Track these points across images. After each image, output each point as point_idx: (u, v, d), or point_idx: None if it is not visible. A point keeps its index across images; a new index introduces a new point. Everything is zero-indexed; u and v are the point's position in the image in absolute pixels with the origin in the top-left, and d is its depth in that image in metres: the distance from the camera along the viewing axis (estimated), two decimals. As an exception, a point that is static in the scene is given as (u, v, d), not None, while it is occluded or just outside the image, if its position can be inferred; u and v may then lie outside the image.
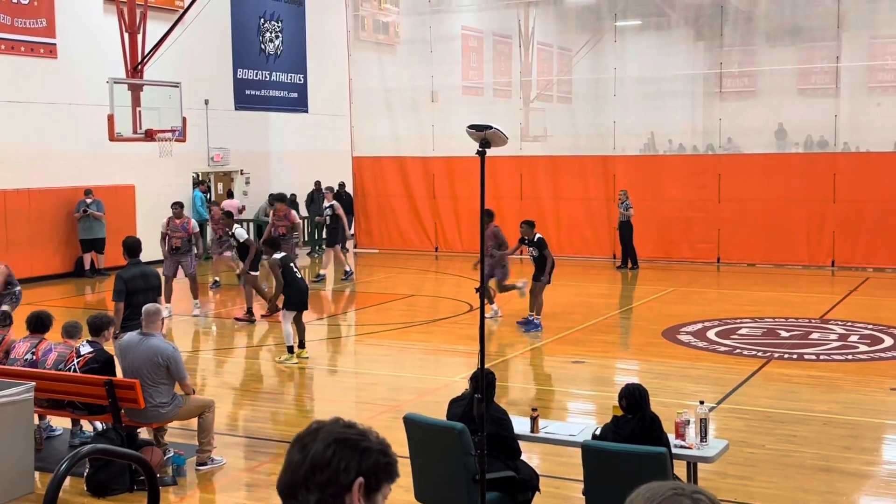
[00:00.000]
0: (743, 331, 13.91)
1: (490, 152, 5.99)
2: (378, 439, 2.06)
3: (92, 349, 8.40)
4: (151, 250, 16.41)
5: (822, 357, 12.21)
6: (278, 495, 2.08)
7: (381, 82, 24.86)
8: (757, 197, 20.76)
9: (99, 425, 8.65)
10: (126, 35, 17.44)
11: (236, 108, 24.86)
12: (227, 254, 17.94)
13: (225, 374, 12.40)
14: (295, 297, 12.24)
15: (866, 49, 21.91)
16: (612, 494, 5.54)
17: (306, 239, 25.85)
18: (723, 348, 12.74)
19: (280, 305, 12.52)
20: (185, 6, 19.67)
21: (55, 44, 20.08)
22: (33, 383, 7.85)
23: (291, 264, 12.41)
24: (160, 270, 12.38)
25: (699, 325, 14.23)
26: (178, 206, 16.11)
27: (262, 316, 15.53)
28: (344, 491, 2.01)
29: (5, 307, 10.23)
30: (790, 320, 14.66)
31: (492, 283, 14.62)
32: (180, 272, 15.81)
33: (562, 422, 8.51)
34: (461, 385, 9.12)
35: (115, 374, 8.32)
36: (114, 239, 18.21)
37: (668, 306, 16.21)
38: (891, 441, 9.34)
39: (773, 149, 21.84)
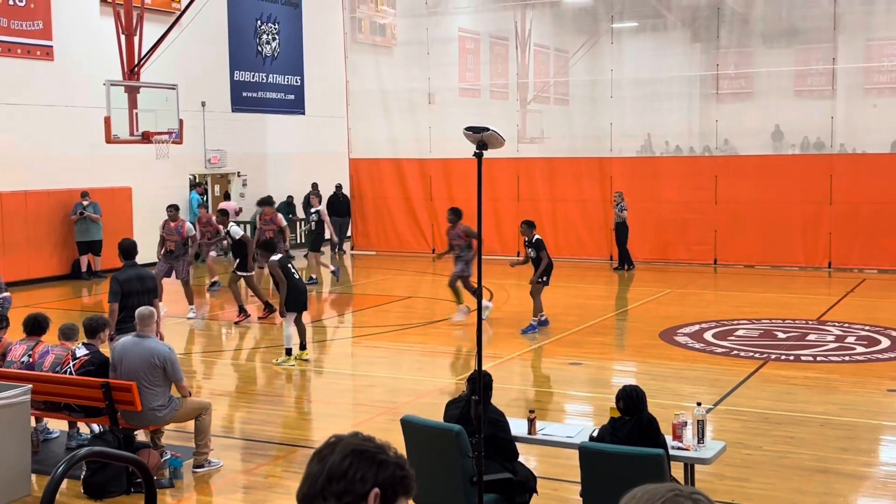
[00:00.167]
0: (740, 332, 13.91)
1: (487, 154, 5.99)
2: (396, 454, 2.07)
3: (88, 352, 8.39)
4: (148, 252, 16.42)
5: (819, 358, 12.22)
6: None
7: (378, 84, 24.86)
8: (754, 198, 20.78)
9: (96, 428, 8.64)
10: (123, 37, 17.44)
11: (233, 110, 24.84)
12: (213, 254, 17.85)
13: (221, 376, 12.39)
14: (294, 298, 12.23)
15: (862, 51, 21.94)
16: (609, 496, 5.53)
17: (302, 240, 25.85)
18: (720, 350, 12.75)
19: (275, 308, 12.52)
20: (182, 8, 19.68)
21: (52, 46, 20.06)
22: (30, 385, 7.84)
23: (289, 265, 12.40)
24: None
25: (696, 327, 14.23)
26: (172, 209, 16.11)
27: (260, 318, 15.52)
28: (360, 501, 2.02)
29: None
30: (787, 322, 14.67)
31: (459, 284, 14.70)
32: (174, 274, 15.82)
33: (559, 423, 8.51)
34: (458, 387, 9.13)
35: (109, 377, 8.30)
36: (111, 241, 18.20)
37: (665, 308, 16.22)
38: (888, 442, 9.35)
39: (770, 150, 21.86)
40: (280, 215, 17.78)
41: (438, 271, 21.98)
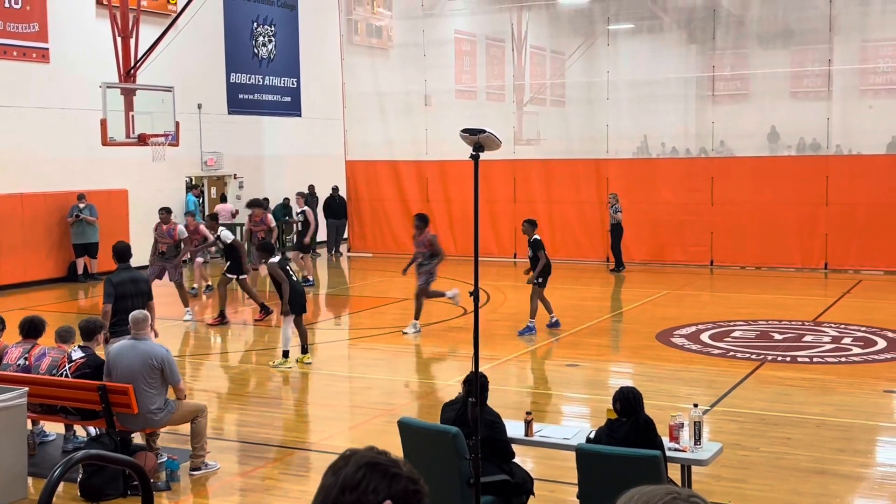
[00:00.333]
0: (736, 333, 13.93)
1: (483, 156, 5.99)
2: (409, 469, 2.08)
3: (83, 354, 8.38)
4: (144, 255, 16.41)
5: (815, 359, 12.23)
6: None
7: (375, 86, 24.87)
8: (750, 200, 20.81)
9: (92, 430, 8.63)
10: (119, 39, 17.43)
11: (229, 113, 24.83)
12: (199, 259, 17.76)
13: (218, 378, 12.38)
14: (293, 300, 12.22)
15: (858, 52, 21.97)
16: (606, 498, 5.54)
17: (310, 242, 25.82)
18: (716, 351, 12.75)
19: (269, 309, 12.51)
20: (178, 10, 19.67)
21: (48, 48, 20.04)
22: (26, 388, 7.83)
23: (287, 267, 12.39)
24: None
25: (693, 328, 14.24)
26: (164, 212, 16.16)
27: (256, 320, 15.51)
28: None
29: None
30: (783, 323, 14.68)
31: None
32: (166, 276, 15.83)
33: (556, 425, 8.50)
34: (455, 388, 9.12)
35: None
36: (107, 243, 18.11)
37: (662, 309, 16.23)
38: (884, 443, 9.36)
39: (766, 152, 21.89)
40: (270, 216, 17.84)
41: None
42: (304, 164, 26.21)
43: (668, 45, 24.06)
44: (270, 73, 26.17)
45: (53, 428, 9.23)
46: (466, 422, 6.29)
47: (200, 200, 24.28)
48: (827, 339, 13.47)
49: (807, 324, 14.62)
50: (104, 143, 16.71)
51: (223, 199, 25.10)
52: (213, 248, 17.20)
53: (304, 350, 12.39)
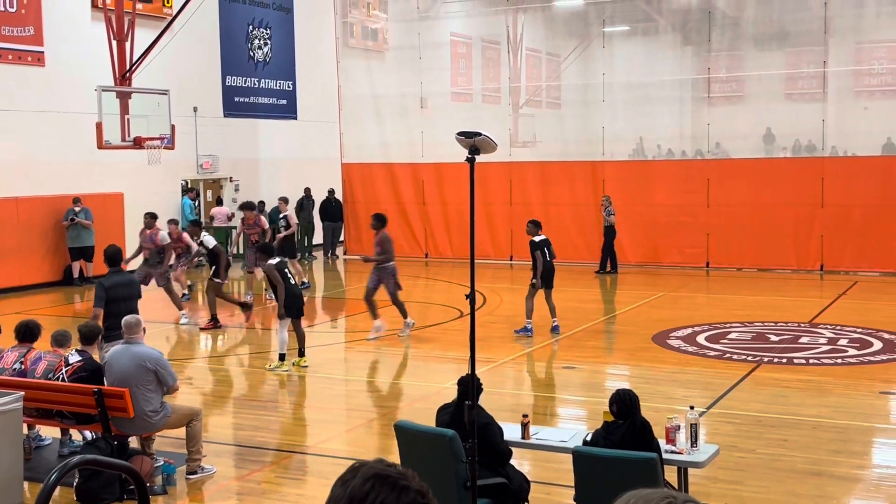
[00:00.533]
0: (732, 335, 13.93)
1: (479, 158, 6.00)
2: (418, 482, 2.07)
3: (81, 358, 8.37)
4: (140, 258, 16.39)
5: (811, 361, 12.24)
6: None
7: (370, 89, 24.87)
8: (745, 201, 20.84)
9: (88, 434, 8.61)
10: (114, 42, 17.42)
11: (225, 116, 24.82)
12: (181, 268, 17.56)
13: (214, 382, 12.36)
14: (289, 302, 12.21)
15: (853, 53, 22.01)
16: (603, 500, 5.54)
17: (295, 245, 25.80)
18: (712, 353, 12.76)
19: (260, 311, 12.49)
20: (174, 13, 19.67)
21: (43, 52, 20.02)
22: (22, 393, 7.82)
23: (286, 270, 12.37)
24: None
25: (689, 330, 14.25)
26: (148, 217, 16.25)
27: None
28: None
29: None
30: (780, 324, 14.69)
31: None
32: (152, 281, 15.85)
33: (553, 428, 8.50)
34: (452, 391, 9.11)
35: (103, 384, 8.29)
36: (102, 247, 17.95)
37: (658, 311, 16.24)
38: (880, 444, 9.36)
39: (762, 153, 21.92)
40: (263, 218, 17.83)
41: (431, 276, 22.02)
42: (300, 167, 26.20)
43: (663, 47, 24.09)
44: (266, 75, 26.17)
45: (49, 432, 9.21)
46: (459, 425, 6.29)
47: (196, 203, 24.26)
48: (823, 340, 13.48)
49: (803, 325, 14.63)
50: (100, 147, 16.69)
51: (219, 202, 25.09)
52: (196, 259, 17.07)
53: (301, 353, 12.37)
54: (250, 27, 25.62)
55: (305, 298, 14.45)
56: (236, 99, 25.25)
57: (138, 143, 16.97)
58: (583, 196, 22.34)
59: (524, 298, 14.19)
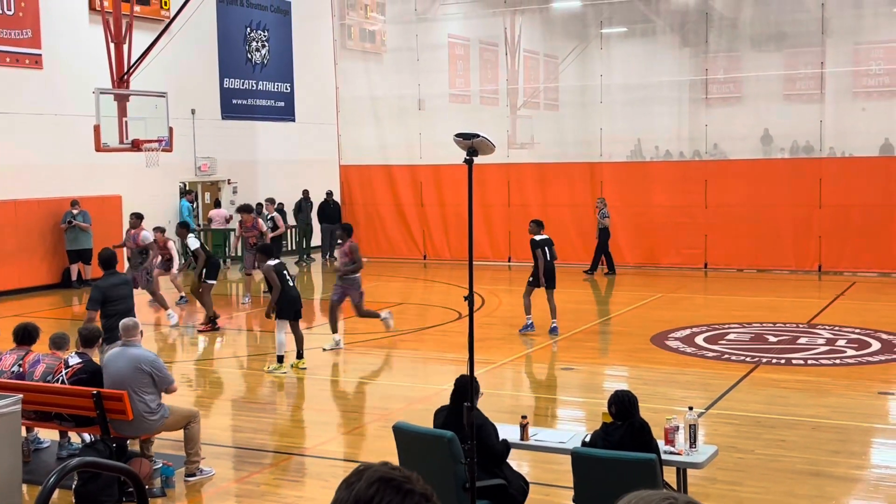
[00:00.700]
0: (731, 336, 13.94)
1: (477, 160, 6.00)
2: (422, 484, 2.07)
3: (81, 360, 8.37)
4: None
5: (809, 362, 12.25)
6: None
7: (368, 90, 24.87)
8: (743, 202, 20.84)
9: (87, 437, 8.61)
10: (112, 45, 17.42)
11: (223, 118, 24.83)
12: (174, 270, 17.44)
13: (212, 384, 12.36)
14: (287, 305, 12.20)
15: (851, 54, 22.03)
16: (602, 501, 5.54)
17: (293, 247, 25.83)
18: (711, 354, 12.76)
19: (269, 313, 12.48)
20: (172, 16, 19.67)
21: (41, 54, 20.02)
22: (20, 395, 7.80)
23: (284, 272, 12.36)
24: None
25: (687, 331, 14.25)
26: (133, 217, 16.47)
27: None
28: None
29: None
30: (778, 325, 14.70)
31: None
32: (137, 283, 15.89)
33: (551, 429, 8.51)
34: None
35: (102, 387, 8.29)
36: (101, 249, 18.14)
37: (656, 312, 16.24)
38: (879, 445, 9.37)
39: (760, 154, 21.94)
40: (261, 220, 17.83)
41: (429, 277, 22.02)
42: (298, 169, 26.20)
43: (661, 49, 24.10)
44: (264, 78, 26.18)
45: (48, 435, 9.21)
46: (453, 426, 6.30)
47: (194, 206, 24.26)
48: (821, 341, 13.49)
49: (801, 326, 14.64)
50: (98, 149, 16.69)
51: (217, 204, 25.09)
52: (174, 270, 17.00)
53: (300, 355, 12.37)
54: (248, 29, 25.62)
55: (304, 300, 14.43)
56: (234, 101, 25.25)
57: (136, 146, 16.97)
58: (581, 197, 22.34)
59: (521, 297, 14.31)
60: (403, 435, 6.60)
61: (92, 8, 20.71)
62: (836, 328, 14.31)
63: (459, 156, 6.06)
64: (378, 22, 27.90)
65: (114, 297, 10.31)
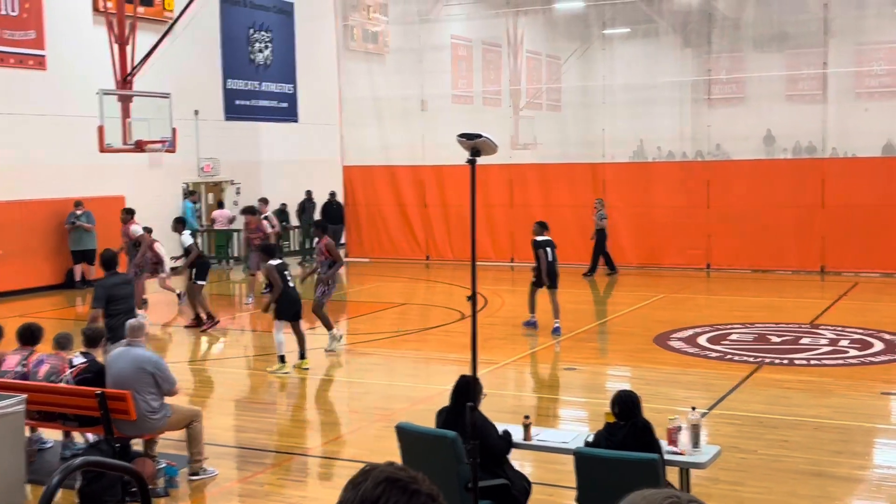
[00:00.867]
0: (733, 336, 13.94)
1: (480, 160, 6.01)
2: (428, 485, 2.08)
3: (85, 360, 8.41)
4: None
5: (812, 362, 12.25)
6: None
7: (371, 91, 24.90)
8: (746, 203, 20.84)
9: (91, 437, 8.63)
10: (115, 46, 17.45)
11: (226, 119, 24.85)
12: (163, 274, 17.40)
13: (215, 384, 12.37)
14: (286, 306, 12.22)
15: (853, 55, 22.04)
16: (605, 501, 5.55)
17: (297, 248, 25.86)
18: (714, 354, 12.77)
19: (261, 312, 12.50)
20: (175, 17, 19.70)
21: (44, 55, 20.05)
22: (24, 396, 7.83)
23: (286, 272, 12.38)
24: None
25: (690, 332, 14.26)
26: (124, 212, 16.75)
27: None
28: None
29: None
30: (781, 325, 14.70)
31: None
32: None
33: (554, 429, 8.52)
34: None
35: (106, 386, 8.32)
36: (102, 250, 18.16)
37: (659, 312, 16.25)
38: (881, 445, 9.37)
39: (762, 155, 21.94)
40: (266, 223, 17.80)
41: (432, 278, 22.03)
42: (301, 170, 26.22)
43: (663, 49, 24.13)
44: (267, 78, 26.20)
45: (52, 435, 9.23)
46: (454, 427, 6.31)
47: (197, 207, 24.29)
48: (824, 341, 13.49)
49: (804, 326, 14.63)
50: (101, 150, 16.73)
51: (220, 205, 25.11)
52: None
53: (302, 356, 12.38)
54: (251, 30, 25.65)
55: (306, 301, 14.46)
56: (237, 102, 25.27)
57: (140, 147, 17.01)
58: (583, 198, 22.33)
59: (526, 297, 14.62)
60: (406, 435, 6.61)
61: (96, 9, 20.74)
62: (839, 329, 14.31)
63: (462, 156, 6.07)
64: (381, 23, 27.93)
65: (116, 297, 10.41)
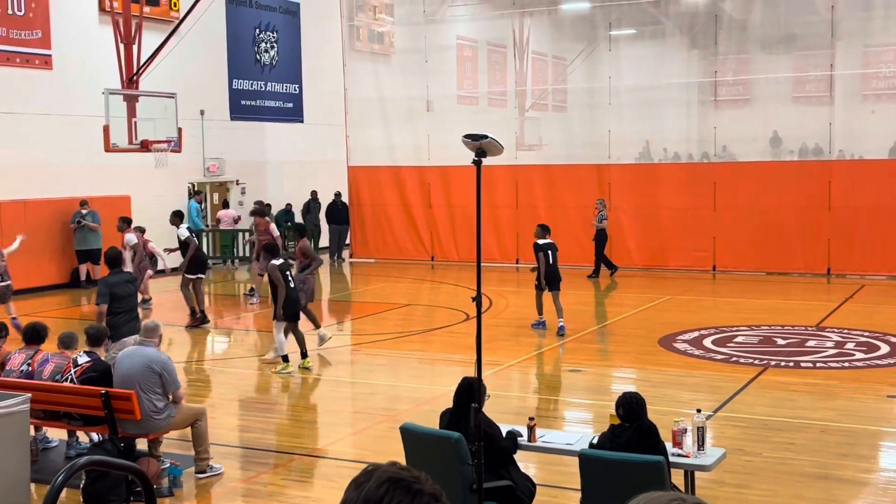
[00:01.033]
0: (739, 339, 13.91)
1: (485, 161, 6.00)
2: (431, 485, 2.07)
3: (90, 359, 8.41)
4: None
5: (818, 365, 12.22)
6: None
7: (377, 92, 24.89)
8: (752, 205, 20.79)
9: (95, 436, 8.64)
10: (121, 46, 17.47)
11: (232, 119, 24.87)
12: (149, 272, 17.44)
13: (220, 384, 12.38)
14: (287, 306, 12.22)
15: (860, 57, 21.98)
16: (609, 503, 5.54)
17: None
18: (719, 356, 12.74)
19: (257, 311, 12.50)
20: (181, 17, 19.72)
21: (51, 55, 20.09)
22: (29, 395, 7.83)
23: (287, 272, 12.39)
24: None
25: (695, 334, 14.23)
26: (120, 221, 16.96)
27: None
28: None
29: None
30: (786, 328, 14.67)
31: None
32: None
33: (559, 431, 8.50)
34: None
35: (111, 384, 8.32)
36: (107, 249, 18.17)
37: (664, 314, 16.22)
38: (887, 448, 9.34)
39: (768, 157, 21.88)
40: (273, 225, 17.80)
41: (437, 279, 22.02)
42: (307, 170, 26.24)
43: (670, 50, 24.07)
44: (273, 79, 26.22)
45: (56, 434, 9.24)
46: (457, 428, 6.30)
47: (203, 206, 24.31)
48: (830, 344, 13.45)
49: (810, 329, 14.60)
50: (107, 150, 16.74)
51: (225, 205, 25.13)
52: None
53: (304, 355, 12.39)
54: (257, 30, 25.67)
55: (312, 302, 14.46)
56: (243, 102, 25.29)
57: (145, 146, 17.01)
58: (589, 199, 22.28)
59: (533, 299, 14.76)
60: (410, 436, 6.60)
61: (102, 9, 20.77)
62: (845, 331, 14.27)
63: (467, 157, 6.06)
64: (386, 23, 27.93)
65: (119, 296, 10.40)
